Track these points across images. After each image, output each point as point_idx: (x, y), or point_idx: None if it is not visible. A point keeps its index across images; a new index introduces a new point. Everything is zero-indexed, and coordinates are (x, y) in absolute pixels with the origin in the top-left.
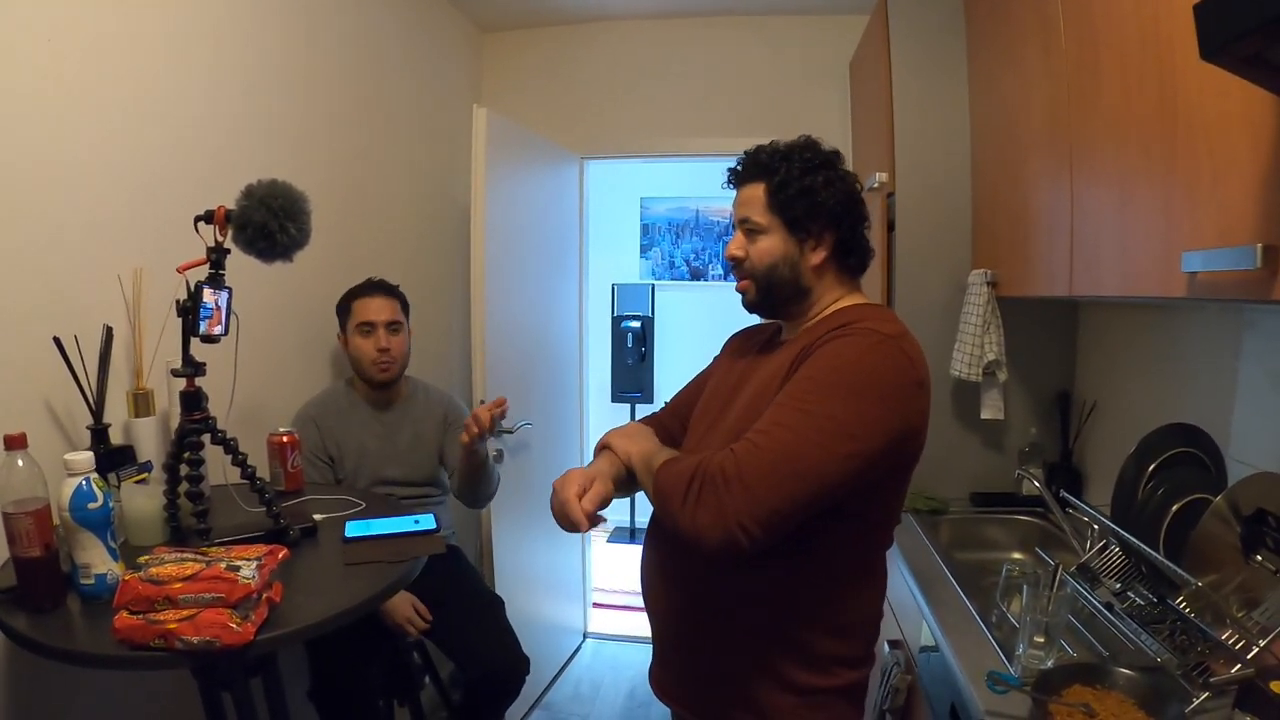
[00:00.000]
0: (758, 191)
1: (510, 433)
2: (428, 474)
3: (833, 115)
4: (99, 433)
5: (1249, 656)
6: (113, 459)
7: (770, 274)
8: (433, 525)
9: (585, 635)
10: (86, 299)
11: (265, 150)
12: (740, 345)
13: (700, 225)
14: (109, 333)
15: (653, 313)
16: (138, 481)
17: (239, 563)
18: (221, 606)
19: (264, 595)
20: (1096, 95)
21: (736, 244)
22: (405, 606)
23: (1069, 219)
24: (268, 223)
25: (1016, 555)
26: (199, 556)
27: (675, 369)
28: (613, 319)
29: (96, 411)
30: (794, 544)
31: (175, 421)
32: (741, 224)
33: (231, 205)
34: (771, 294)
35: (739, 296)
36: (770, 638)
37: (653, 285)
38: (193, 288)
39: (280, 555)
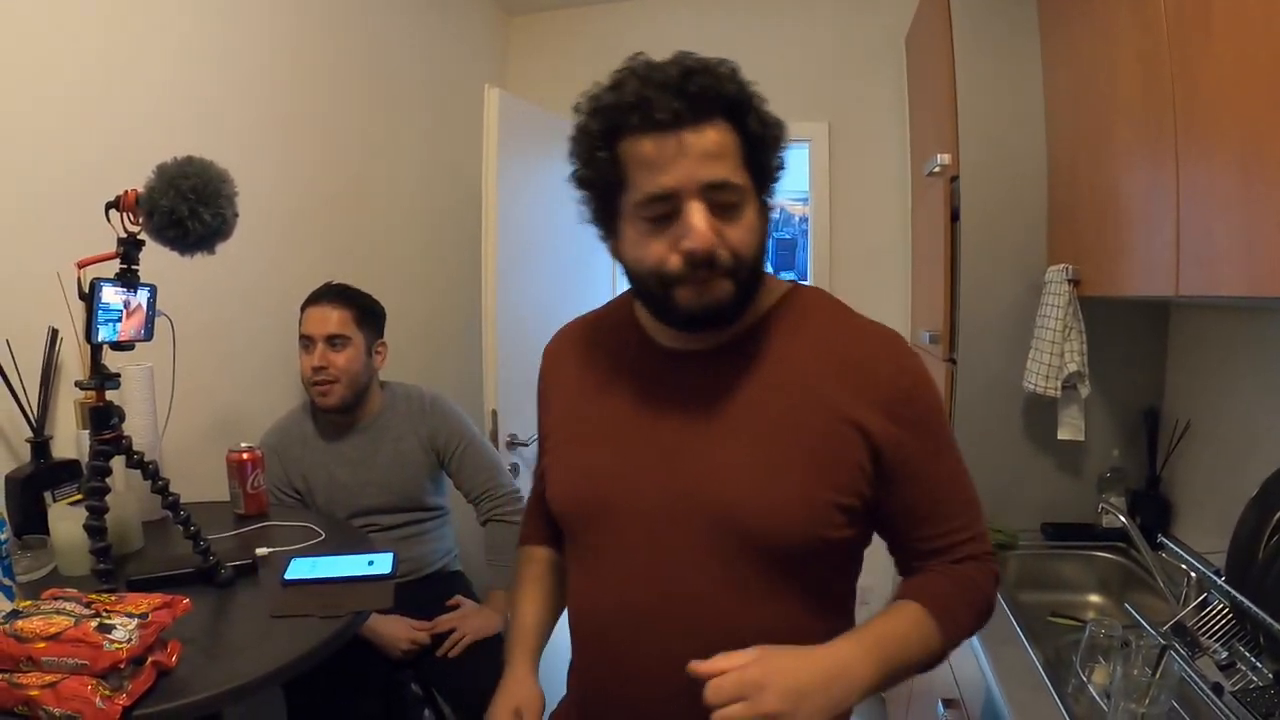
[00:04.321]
0: (725, 137)
1: (525, 445)
2: (416, 497)
3: (889, 94)
4: (39, 446)
5: None
6: (55, 475)
7: (756, 264)
8: (388, 569)
9: None
10: (22, 300)
11: (248, 134)
12: (603, 358)
13: None
14: (54, 335)
15: None
16: (74, 503)
17: (115, 621)
18: (86, 675)
19: (148, 660)
20: (1205, 47)
21: (709, 224)
22: (402, 629)
23: (1173, 203)
24: (176, 208)
25: (1094, 598)
26: (79, 608)
27: None
28: None
29: (37, 424)
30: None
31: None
32: (708, 192)
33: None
34: (748, 294)
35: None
36: None
37: None
38: (87, 287)
39: (180, 608)
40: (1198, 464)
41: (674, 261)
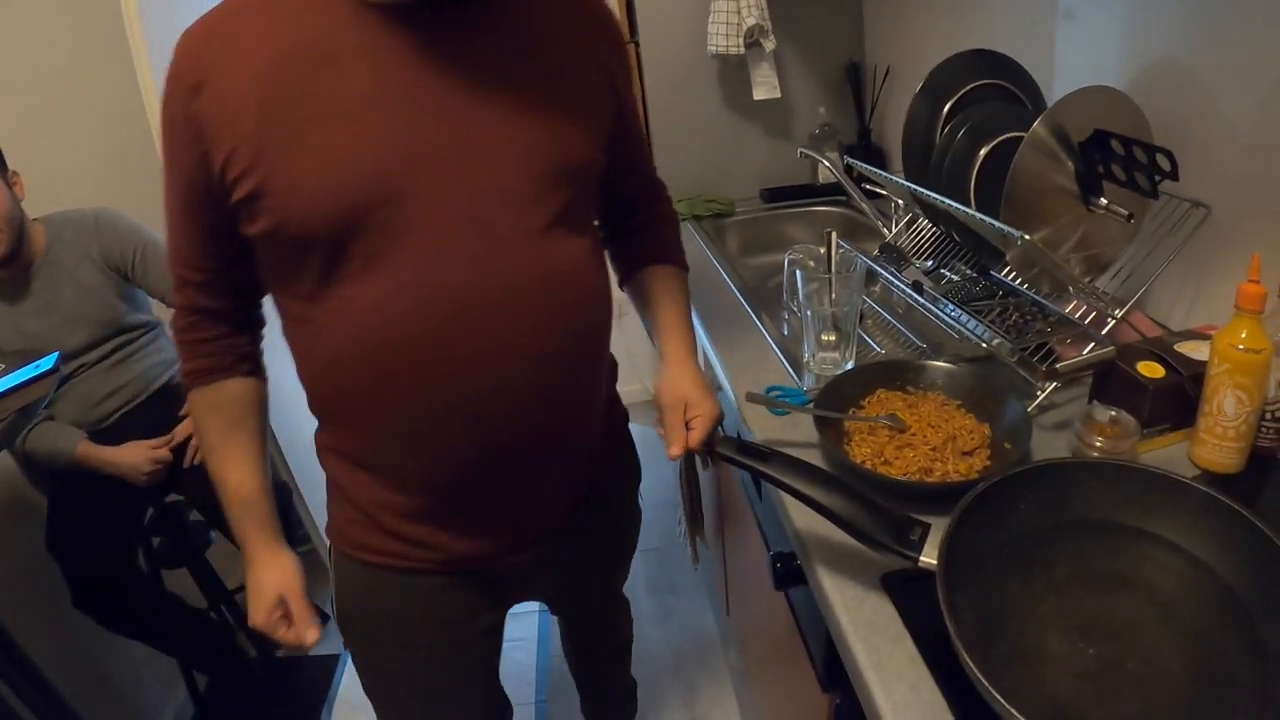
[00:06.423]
0: None
1: None
2: (114, 321)
3: None
4: None
5: (1104, 332)
6: None
7: None
8: (50, 365)
9: None
10: None
11: None
12: (306, 35)
13: None
14: None
15: None
16: None
17: None
18: None
19: None
20: None
21: None
22: (139, 452)
23: None
24: None
25: (821, 251)
26: None
27: None
28: None
29: None
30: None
31: None
32: None
33: None
34: None
35: None
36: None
37: None
38: None
39: None
40: (901, 109)
41: None
